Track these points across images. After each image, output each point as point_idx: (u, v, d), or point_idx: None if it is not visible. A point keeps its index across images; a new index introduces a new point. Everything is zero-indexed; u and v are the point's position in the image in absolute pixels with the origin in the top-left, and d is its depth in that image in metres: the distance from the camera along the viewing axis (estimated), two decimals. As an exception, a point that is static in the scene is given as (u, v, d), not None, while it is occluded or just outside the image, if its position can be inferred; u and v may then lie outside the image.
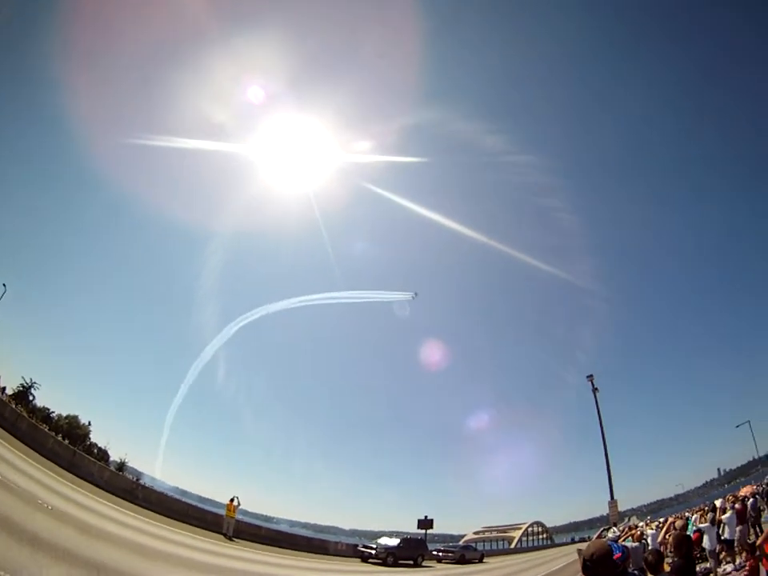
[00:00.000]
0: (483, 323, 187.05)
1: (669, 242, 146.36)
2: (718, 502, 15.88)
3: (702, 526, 13.50)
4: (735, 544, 12.17)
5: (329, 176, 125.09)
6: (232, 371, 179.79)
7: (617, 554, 4.60)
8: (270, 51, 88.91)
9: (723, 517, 12.53)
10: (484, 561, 35.10)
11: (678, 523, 12.07)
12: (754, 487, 19.35)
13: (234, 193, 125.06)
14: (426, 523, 41.71)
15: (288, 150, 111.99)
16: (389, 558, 23.92)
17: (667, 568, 5.09)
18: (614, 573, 2.99)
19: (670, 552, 6.60)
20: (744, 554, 9.88)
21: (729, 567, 10.34)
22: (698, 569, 10.39)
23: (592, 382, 27.47)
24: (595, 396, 27.17)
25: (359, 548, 26.01)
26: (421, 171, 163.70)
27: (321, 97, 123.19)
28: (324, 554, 24.61)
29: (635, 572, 4.90)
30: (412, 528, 42.48)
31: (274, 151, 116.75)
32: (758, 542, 8.29)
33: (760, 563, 7.57)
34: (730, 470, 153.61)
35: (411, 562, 25.50)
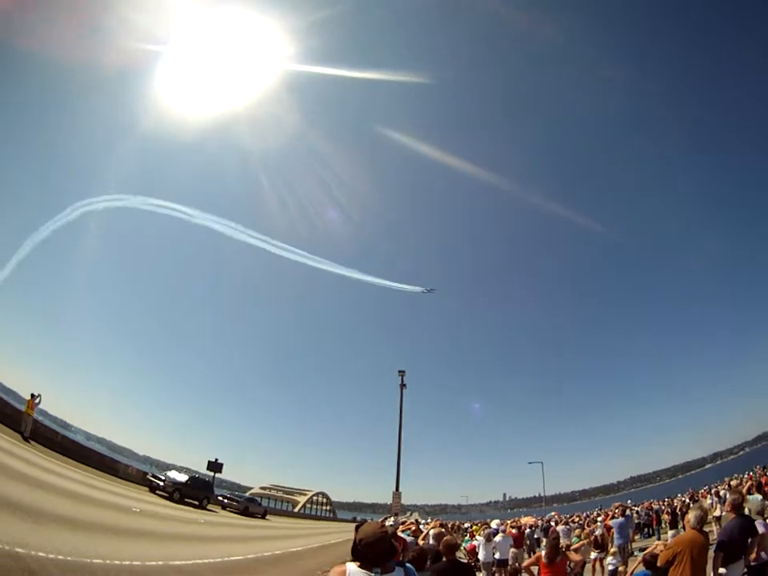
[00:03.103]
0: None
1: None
2: (494, 523, 17.31)
3: (477, 539, 14.60)
4: (509, 563, 13.24)
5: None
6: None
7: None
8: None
9: (495, 538, 13.54)
10: (267, 518, 35.09)
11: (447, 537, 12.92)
12: (535, 520, 21.83)
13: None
14: (215, 466, 40.66)
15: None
16: (176, 493, 22.53)
17: None
18: (385, 559, 2.83)
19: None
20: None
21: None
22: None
23: (402, 378, 28.87)
24: (402, 393, 28.63)
25: (148, 476, 24.21)
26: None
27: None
28: (113, 475, 22.63)
29: (407, 563, 4.64)
30: (202, 468, 41.26)
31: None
32: (525, 564, 9.23)
33: None
34: (515, 498, 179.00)
35: (197, 503, 24.35)
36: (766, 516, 9.26)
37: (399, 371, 29.55)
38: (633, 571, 7.38)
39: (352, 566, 2.79)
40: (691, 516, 5.52)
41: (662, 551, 5.71)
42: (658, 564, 5.61)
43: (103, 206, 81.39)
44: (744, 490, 9.85)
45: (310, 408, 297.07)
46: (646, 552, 6.74)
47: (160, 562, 8.84)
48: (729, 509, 6.10)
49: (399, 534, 11.43)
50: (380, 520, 12.54)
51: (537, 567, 7.94)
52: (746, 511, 7.09)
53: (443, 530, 11.62)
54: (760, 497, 9.15)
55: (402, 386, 29.08)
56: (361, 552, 2.83)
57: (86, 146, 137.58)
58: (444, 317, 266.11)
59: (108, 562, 7.41)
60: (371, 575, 2.73)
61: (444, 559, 5.21)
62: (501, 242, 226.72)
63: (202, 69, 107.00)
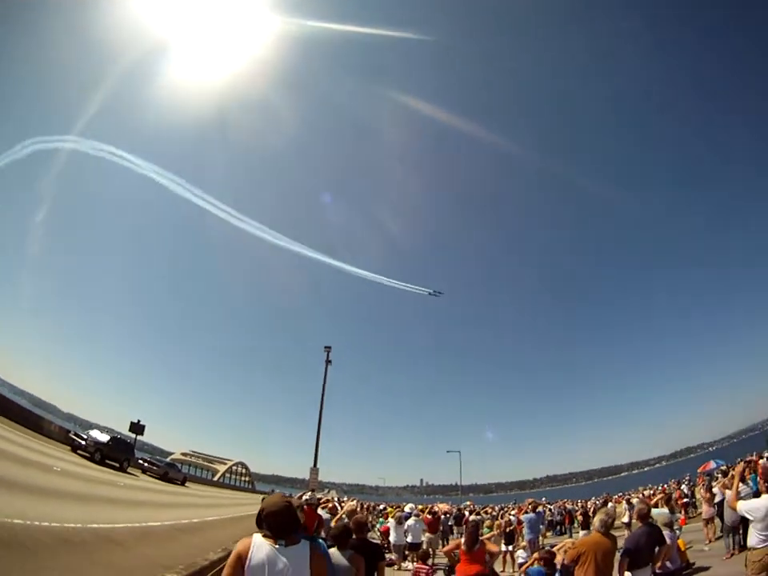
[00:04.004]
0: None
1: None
2: (408, 507, 18.33)
3: (389, 521, 15.59)
4: (423, 547, 13.99)
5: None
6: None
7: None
8: None
9: (408, 521, 14.14)
10: (186, 485, 35.25)
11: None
12: (450, 507, 23.25)
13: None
14: (137, 428, 40.21)
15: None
16: (97, 453, 22.48)
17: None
18: (288, 529, 2.83)
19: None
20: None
21: (410, 566, 12.04)
22: (387, 557, 12.04)
23: (328, 354, 28.90)
24: (326, 368, 28.76)
25: (71, 435, 23.94)
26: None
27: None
28: (36, 431, 22.21)
29: (320, 538, 4.97)
30: (124, 429, 40.74)
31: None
32: (444, 550, 10.08)
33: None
34: (432, 484, 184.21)
35: (117, 465, 24.24)
36: (675, 528, 10.61)
37: (325, 347, 29.17)
38: (528, 566, 7.81)
39: (258, 538, 2.80)
40: (597, 519, 5.66)
41: (566, 550, 5.88)
42: (566, 562, 5.74)
43: (54, 145, 75.73)
44: (652, 503, 10.21)
45: (235, 379, 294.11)
46: (558, 547, 7.10)
47: (78, 525, 8.96)
48: (636, 517, 6.28)
49: (320, 511, 12.12)
50: (297, 495, 13.21)
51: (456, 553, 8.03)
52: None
53: (357, 507, 12.33)
54: (666, 510, 9.43)
55: (327, 361, 28.84)
56: (264, 522, 2.85)
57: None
58: (379, 299, 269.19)
59: (29, 522, 7.68)
60: (275, 547, 2.74)
61: (354, 537, 5.17)
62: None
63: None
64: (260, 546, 2.74)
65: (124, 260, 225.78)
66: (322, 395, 28.27)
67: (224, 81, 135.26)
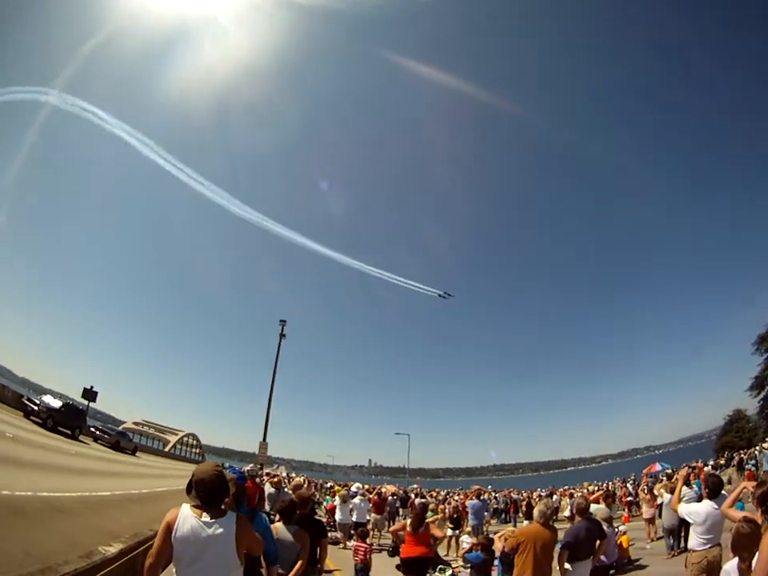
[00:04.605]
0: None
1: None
2: (354, 486, 19.07)
3: (336, 500, 16.10)
4: (370, 526, 14.45)
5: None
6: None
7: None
8: None
9: (354, 500, 14.75)
10: (137, 455, 35.20)
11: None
12: (396, 489, 24.09)
13: None
14: (90, 394, 39.71)
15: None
16: (49, 419, 22.39)
17: None
18: (215, 498, 2.85)
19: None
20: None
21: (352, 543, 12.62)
22: (332, 535, 12.74)
23: (282, 327, 28.93)
24: (280, 342, 28.91)
25: (24, 400, 23.67)
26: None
27: None
28: None
29: (264, 512, 5.17)
30: (78, 396, 40.13)
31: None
32: (391, 530, 10.59)
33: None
34: (381, 465, 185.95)
35: (69, 432, 24.14)
36: (618, 526, 10.79)
37: (280, 321, 29.09)
38: (466, 552, 8.00)
39: (186, 509, 2.80)
40: (536, 510, 5.76)
41: (507, 538, 5.93)
42: (506, 549, 5.81)
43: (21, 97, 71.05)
44: (592, 498, 10.35)
45: (190, 350, 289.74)
46: (499, 534, 7.17)
47: (28, 493, 8.97)
48: (575, 511, 6.46)
49: (268, 486, 12.37)
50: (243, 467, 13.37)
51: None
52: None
53: (302, 483, 12.56)
54: (603, 506, 9.61)
55: (282, 335, 28.82)
56: (194, 489, 2.87)
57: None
58: (340, 277, 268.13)
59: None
60: (201, 520, 2.75)
61: (297, 512, 5.12)
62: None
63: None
64: (186, 518, 2.75)
65: (79, 221, 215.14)
66: (275, 369, 28.25)
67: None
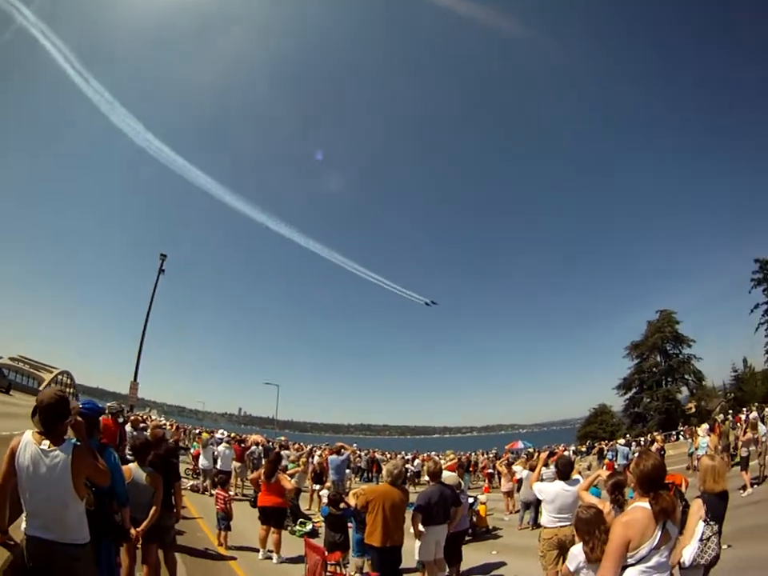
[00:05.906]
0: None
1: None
2: (219, 433, 18.31)
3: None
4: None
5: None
6: None
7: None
8: None
9: (219, 447, 14.27)
10: (11, 393, 33.58)
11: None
12: (263, 439, 22.75)
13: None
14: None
15: None
16: None
17: None
18: (53, 422, 2.81)
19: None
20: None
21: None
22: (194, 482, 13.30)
23: (162, 262, 27.09)
24: (158, 277, 27.13)
25: None
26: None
27: None
28: None
29: (108, 445, 4.70)
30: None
31: None
32: (250, 478, 10.31)
33: None
34: (250, 414, 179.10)
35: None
36: (475, 495, 10.89)
37: (161, 255, 26.98)
38: (321, 507, 8.18)
39: (27, 435, 2.78)
40: (385, 470, 5.80)
41: (358, 496, 5.91)
42: (358, 507, 5.86)
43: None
44: (446, 466, 9.89)
45: (66, 278, 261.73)
46: (352, 492, 7.03)
47: None
48: (428, 475, 6.46)
49: (129, 427, 10.73)
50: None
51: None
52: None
53: (162, 423, 12.09)
54: (455, 474, 9.55)
55: (161, 270, 27.02)
56: (37, 412, 2.83)
57: None
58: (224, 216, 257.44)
59: None
60: (40, 447, 2.71)
61: (151, 453, 5.04)
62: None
63: None
64: (27, 445, 2.73)
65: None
66: (150, 306, 26.76)
67: None
